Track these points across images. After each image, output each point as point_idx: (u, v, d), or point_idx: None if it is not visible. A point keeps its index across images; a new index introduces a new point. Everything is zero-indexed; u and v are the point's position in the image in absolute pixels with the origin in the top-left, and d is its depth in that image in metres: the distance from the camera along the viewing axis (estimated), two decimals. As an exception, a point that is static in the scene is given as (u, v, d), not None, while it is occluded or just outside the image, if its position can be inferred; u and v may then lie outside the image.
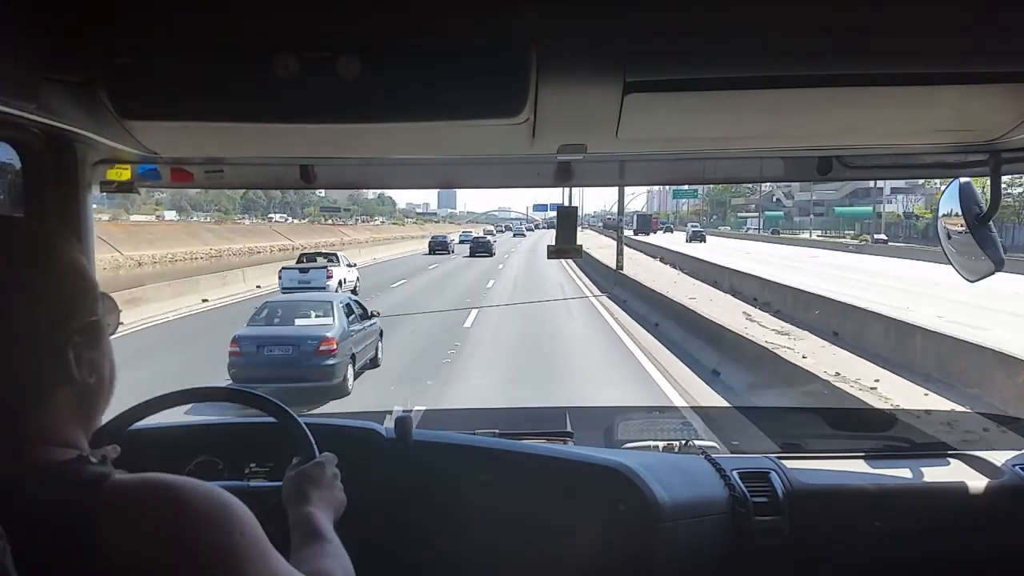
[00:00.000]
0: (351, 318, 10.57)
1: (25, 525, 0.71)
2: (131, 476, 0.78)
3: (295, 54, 0.99)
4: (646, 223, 73.79)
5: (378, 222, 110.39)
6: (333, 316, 10.23)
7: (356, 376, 10.22)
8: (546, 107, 1.13)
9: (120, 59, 1.01)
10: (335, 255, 23.35)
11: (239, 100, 1.04)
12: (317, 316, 10.33)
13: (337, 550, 1.06)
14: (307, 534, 1.08)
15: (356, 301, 11.80)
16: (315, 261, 21.48)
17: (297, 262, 21.77)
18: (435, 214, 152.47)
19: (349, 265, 22.31)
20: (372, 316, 11.52)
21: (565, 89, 1.11)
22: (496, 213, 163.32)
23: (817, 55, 1.04)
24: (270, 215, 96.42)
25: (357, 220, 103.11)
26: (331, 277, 19.23)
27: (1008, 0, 1.00)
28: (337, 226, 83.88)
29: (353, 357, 10.04)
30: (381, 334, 11.70)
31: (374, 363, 11.16)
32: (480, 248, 42.93)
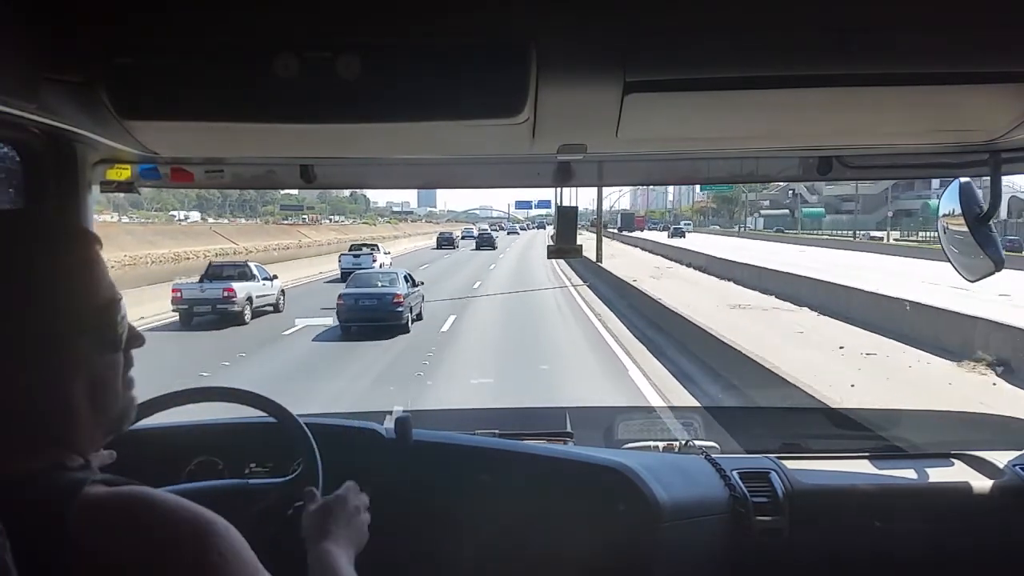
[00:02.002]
0: (408, 284, 15.89)
1: (4, 532, 0.70)
2: (106, 489, 0.76)
3: (295, 54, 0.99)
4: (630, 221, 74.61)
5: (335, 220, 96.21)
6: (399, 282, 15.69)
7: (412, 321, 15.38)
8: (546, 107, 1.13)
9: (120, 59, 1.01)
10: (376, 245, 31.68)
11: (239, 100, 1.04)
12: (388, 281, 15.83)
13: None
14: (322, 571, 1.05)
15: (409, 274, 16.71)
16: (362, 250, 28.57)
17: (350, 250, 29.16)
18: (411, 212, 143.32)
19: (386, 253, 30.93)
20: (418, 285, 16.65)
21: (565, 89, 1.11)
22: (477, 211, 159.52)
23: (817, 55, 1.04)
24: (172, 214, 79.78)
25: (305, 219, 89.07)
26: (376, 260, 25.60)
27: (1008, 0, 1.00)
28: (295, 226, 73.41)
29: (411, 308, 15.32)
30: (423, 297, 16.69)
31: (419, 317, 15.95)
32: (484, 243, 51.24)
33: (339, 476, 1.34)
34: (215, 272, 17.35)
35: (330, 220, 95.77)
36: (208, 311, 15.87)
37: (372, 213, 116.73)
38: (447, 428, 2.04)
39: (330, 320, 14.29)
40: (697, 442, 2.16)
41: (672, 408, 6.12)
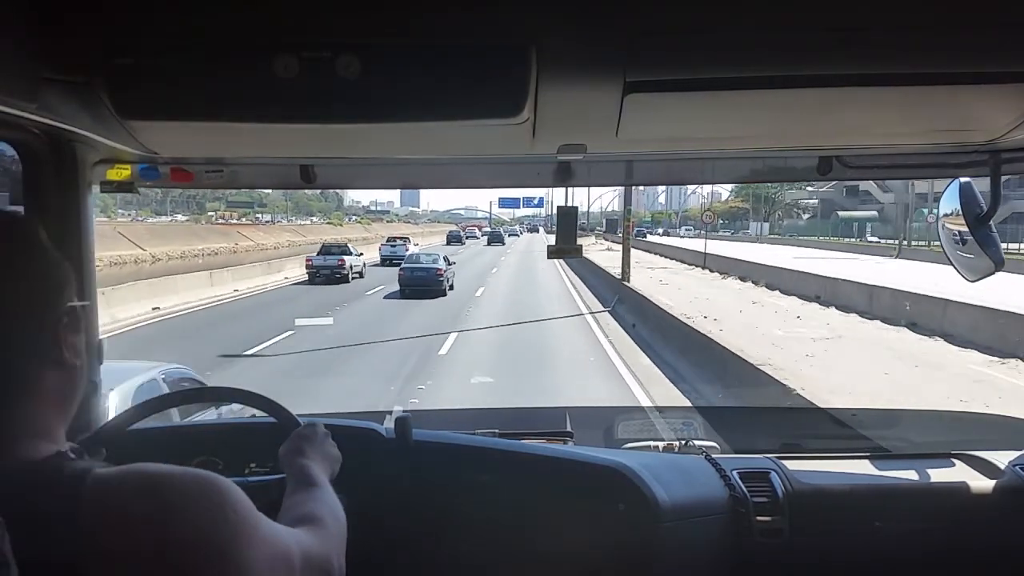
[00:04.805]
0: (446, 263, 22.23)
1: (9, 523, 0.70)
2: (113, 469, 0.78)
3: (295, 54, 0.99)
4: (614, 225, 74.43)
5: (279, 220, 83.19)
6: (440, 261, 22.19)
7: (448, 290, 21.69)
8: (546, 107, 1.13)
9: (120, 59, 1.01)
10: (407, 238, 41.99)
11: (239, 100, 1.04)
12: (432, 260, 22.32)
13: (327, 496, 1.07)
14: (299, 482, 1.11)
15: (446, 256, 23.37)
16: (396, 242, 37.55)
17: (387, 242, 38.68)
18: (387, 212, 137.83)
19: (415, 244, 37.84)
20: (452, 264, 23.19)
21: (565, 89, 1.11)
22: (462, 212, 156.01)
23: (817, 55, 1.04)
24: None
25: (213, 216, 76.40)
26: (408, 249, 32.03)
27: (1008, 0, 1.00)
28: (234, 226, 63.18)
29: (448, 280, 21.92)
30: (455, 273, 23.18)
31: (452, 288, 22.07)
32: (495, 239, 60.73)
33: (339, 476, 1.34)
34: (327, 249, 27.41)
35: (259, 219, 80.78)
36: (328, 274, 25.09)
37: (339, 213, 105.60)
38: (447, 428, 2.03)
39: (330, 320, 15.70)
40: (697, 442, 2.16)
41: (672, 408, 6.12)
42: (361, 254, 28.52)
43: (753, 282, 23.52)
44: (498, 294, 22.13)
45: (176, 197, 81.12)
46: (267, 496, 1.07)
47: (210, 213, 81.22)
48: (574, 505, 1.72)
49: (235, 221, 71.04)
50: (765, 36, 1.02)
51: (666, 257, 38.03)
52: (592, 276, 23.98)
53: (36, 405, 0.80)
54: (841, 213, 65.03)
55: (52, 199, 1.48)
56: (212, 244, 46.80)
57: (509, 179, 1.85)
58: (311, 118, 1.07)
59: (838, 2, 0.99)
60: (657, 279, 22.50)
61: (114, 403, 5.30)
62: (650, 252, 43.59)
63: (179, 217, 76.58)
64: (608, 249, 41.90)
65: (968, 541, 1.86)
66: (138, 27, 1.00)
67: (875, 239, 53.11)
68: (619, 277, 20.77)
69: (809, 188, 67.00)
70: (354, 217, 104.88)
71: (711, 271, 28.09)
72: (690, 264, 32.18)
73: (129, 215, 66.92)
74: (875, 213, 61.87)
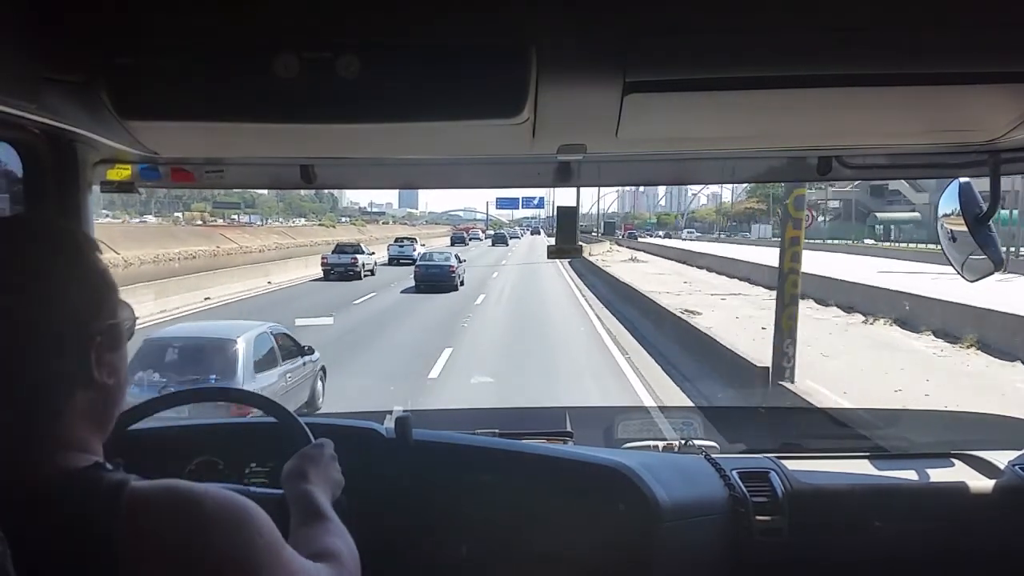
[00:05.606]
0: (457, 261, 24.82)
1: (44, 533, 0.72)
2: (150, 483, 0.79)
3: (295, 54, 0.99)
4: (612, 228, 74.88)
5: (251, 222, 79.11)
6: (452, 259, 24.74)
7: (460, 286, 23.70)
8: (546, 107, 1.13)
9: (120, 59, 1.01)
10: (415, 238, 44.66)
11: (239, 100, 1.04)
12: (444, 258, 24.95)
13: (338, 528, 1.07)
14: (307, 512, 1.10)
15: (457, 255, 26.33)
16: (404, 242, 39.72)
17: (395, 242, 40.39)
18: (383, 214, 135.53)
19: (422, 244, 40.93)
20: (463, 261, 25.79)
21: (565, 89, 1.11)
22: (461, 213, 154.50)
23: (817, 55, 1.04)
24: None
25: (206, 216, 74.79)
26: (415, 250, 34.83)
27: (1008, 0, 1.00)
28: (219, 228, 59.82)
29: (459, 276, 24.13)
30: (465, 271, 25.52)
31: (463, 283, 24.30)
32: (499, 240, 64.68)
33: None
34: (341, 249, 29.58)
35: (234, 220, 75.38)
36: (342, 271, 27.21)
37: (333, 215, 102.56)
38: (447, 428, 2.03)
39: (330, 320, 15.68)
40: (697, 442, 2.16)
41: (672, 408, 6.13)
42: (373, 253, 30.92)
43: (941, 336, 12.46)
44: (480, 364, 11.18)
45: (161, 198, 77.61)
46: (264, 509, 1.08)
47: (176, 214, 76.96)
48: (574, 505, 1.72)
49: (199, 223, 67.20)
50: (765, 36, 1.02)
51: (703, 268, 29.55)
52: (635, 310, 15.81)
53: (69, 422, 0.80)
54: (879, 214, 57.57)
55: (52, 200, 1.47)
56: (190, 247, 44.50)
57: (509, 179, 1.85)
58: (311, 118, 1.07)
59: (838, 2, 0.99)
60: (755, 324, 12.01)
61: (241, 348, 7.54)
62: (678, 261, 33.82)
63: (149, 219, 72.48)
64: (633, 260, 36.14)
65: (968, 541, 1.86)
66: (138, 27, 1.00)
67: (911, 244, 44.01)
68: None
69: (832, 188, 58.33)
70: (346, 219, 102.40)
71: (815, 302, 16.78)
72: (751, 282, 22.18)
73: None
74: (917, 215, 53.97)
